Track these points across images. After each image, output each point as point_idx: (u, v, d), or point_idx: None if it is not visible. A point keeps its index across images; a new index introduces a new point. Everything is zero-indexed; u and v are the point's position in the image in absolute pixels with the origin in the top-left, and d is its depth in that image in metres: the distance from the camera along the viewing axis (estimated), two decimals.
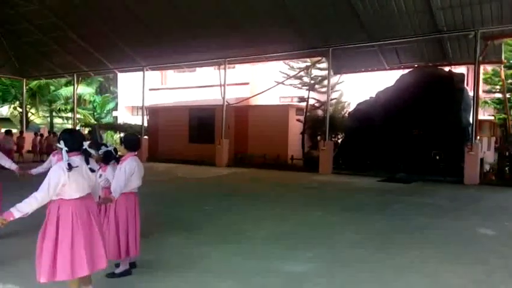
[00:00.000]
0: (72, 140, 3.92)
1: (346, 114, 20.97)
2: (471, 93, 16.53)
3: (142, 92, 22.98)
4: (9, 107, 33.98)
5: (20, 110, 30.78)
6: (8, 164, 6.48)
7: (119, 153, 5.53)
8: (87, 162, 3.93)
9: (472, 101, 15.81)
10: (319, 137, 20.48)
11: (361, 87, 22.31)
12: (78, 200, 3.86)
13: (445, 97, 16.27)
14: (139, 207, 5.30)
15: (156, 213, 8.62)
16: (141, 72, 22.99)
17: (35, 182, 4.08)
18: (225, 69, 20.40)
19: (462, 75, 17.69)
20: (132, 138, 5.33)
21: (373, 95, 18.99)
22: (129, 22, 19.75)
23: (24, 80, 28.71)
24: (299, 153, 20.96)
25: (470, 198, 11.97)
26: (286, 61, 21.38)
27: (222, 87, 20.36)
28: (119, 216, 4.97)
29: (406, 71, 18.32)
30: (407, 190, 13.18)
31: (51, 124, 33.07)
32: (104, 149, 5.36)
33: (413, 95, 16.48)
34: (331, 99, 19.92)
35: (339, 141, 20.50)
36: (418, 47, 17.13)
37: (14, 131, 24.68)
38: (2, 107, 34.93)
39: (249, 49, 19.27)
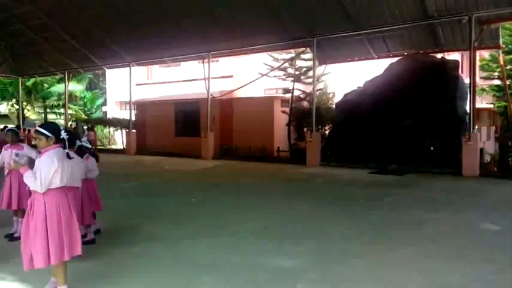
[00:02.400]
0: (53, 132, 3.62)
1: (333, 105, 17.98)
2: (467, 81, 13.57)
3: (129, 87, 20.47)
4: (7, 105, 31.82)
5: (17, 107, 28.75)
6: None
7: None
8: (64, 148, 3.67)
9: (468, 89, 12.83)
10: (305, 129, 17.55)
11: (347, 77, 19.13)
12: (60, 189, 3.59)
13: (438, 85, 13.25)
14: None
15: (143, 206, 7.94)
16: (128, 68, 20.44)
17: None
18: (208, 62, 17.60)
19: (456, 62, 14.58)
20: (74, 133, 5.14)
21: (361, 85, 15.95)
22: (114, 19, 17.91)
23: (20, 79, 26.56)
24: (285, 145, 18.03)
25: (470, 190, 9.64)
26: (270, 53, 18.30)
27: (207, 81, 17.57)
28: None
29: (396, 59, 15.27)
30: (401, 182, 10.77)
31: (45, 120, 30.59)
32: (78, 143, 4.94)
33: (404, 83, 13.48)
34: (317, 90, 16.86)
35: (326, 132, 17.53)
36: (407, 34, 13.95)
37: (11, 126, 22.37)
38: (0, 104, 32.62)
39: (232, 42, 16.56)
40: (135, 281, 4.12)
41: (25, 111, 30.03)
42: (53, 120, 30.30)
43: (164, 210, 7.58)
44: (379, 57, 15.40)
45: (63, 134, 3.63)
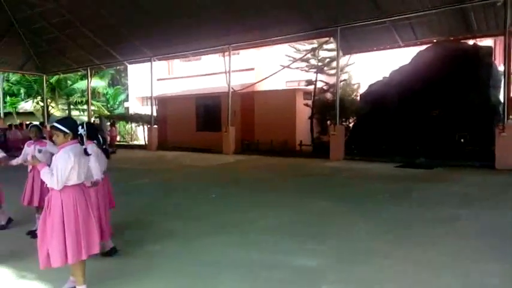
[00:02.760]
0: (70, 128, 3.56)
1: (357, 97, 17.40)
2: (501, 68, 12.89)
3: (150, 82, 20.45)
4: (33, 102, 32.35)
5: (42, 104, 29.23)
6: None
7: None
8: (82, 144, 3.60)
9: (502, 77, 12.12)
10: (328, 122, 17.09)
11: (372, 67, 18.35)
12: (77, 186, 3.56)
13: (470, 73, 12.63)
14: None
15: (162, 202, 7.88)
16: (149, 63, 20.41)
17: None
18: (229, 55, 17.38)
19: (489, 48, 13.85)
20: (94, 127, 5.06)
21: (386, 75, 15.42)
22: (135, 14, 17.72)
23: (44, 76, 27.01)
24: (308, 138, 17.58)
25: (504, 185, 9.00)
26: (292, 44, 17.86)
27: (227, 74, 17.35)
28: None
29: (424, 47, 14.60)
30: (429, 176, 10.25)
31: (69, 116, 31.03)
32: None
33: (433, 72, 12.89)
34: (341, 81, 16.29)
35: (351, 125, 17.03)
36: (436, 20, 13.18)
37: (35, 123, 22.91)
38: (26, 102, 33.31)
39: (252, 34, 16.26)
40: (154, 280, 4.00)
41: (49, 108, 30.44)
42: (76, 117, 30.85)
43: (184, 206, 7.46)
44: (406, 46, 14.69)
45: (81, 130, 3.57)
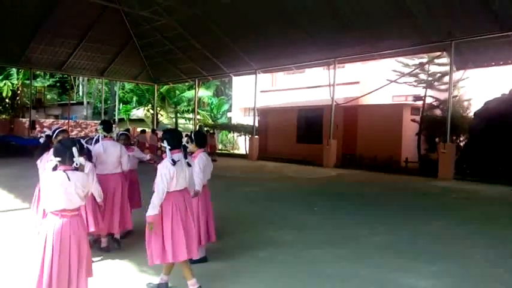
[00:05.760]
0: (173, 139, 4.07)
1: (471, 114, 16.84)
2: None
3: (254, 94, 21.80)
4: (144, 109, 35.75)
5: (152, 112, 32.16)
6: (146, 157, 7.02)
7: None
8: (185, 157, 4.05)
9: None
10: (437, 139, 16.79)
11: (487, 83, 17.83)
12: (177, 193, 3.95)
13: None
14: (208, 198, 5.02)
15: (267, 211, 8.28)
16: (254, 76, 21.73)
17: None
18: (334, 68, 17.93)
19: None
20: (203, 135, 5.28)
21: (505, 92, 14.86)
22: (242, 27, 18.95)
23: (156, 85, 29.93)
24: (414, 155, 17.47)
25: None
26: (400, 58, 17.93)
27: (331, 87, 17.91)
28: (193, 207, 4.62)
29: None
30: None
31: (176, 124, 34.02)
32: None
33: None
34: (453, 97, 15.88)
35: (461, 144, 16.56)
36: None
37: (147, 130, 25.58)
38: (138, 109, 36.89)
39: (359, 47, 16.58)
40: (261, 285, 4.33)
41: (159, 116, 33.30)
42: (182, 125, 33.49)
43: (288, 217, 7.73)
44: None
45: (184, 141, 4.15)
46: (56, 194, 3.15)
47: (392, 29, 14.83)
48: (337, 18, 15.52)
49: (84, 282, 3.28)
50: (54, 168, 3.24)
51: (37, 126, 26.97)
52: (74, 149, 3.25)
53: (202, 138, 5.05)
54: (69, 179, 3.15)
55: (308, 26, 16.60)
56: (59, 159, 3.24)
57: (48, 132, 5.21)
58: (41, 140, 5.17)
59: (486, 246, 5.93)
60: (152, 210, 3.78)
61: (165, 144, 3.96)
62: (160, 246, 3.84)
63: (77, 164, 3.26)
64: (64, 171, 3.19)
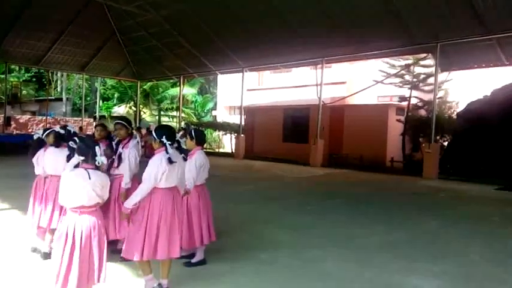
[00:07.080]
0: (172, 135, 4.04)
1: (454, 115, 17.51)
2: None
3: (241, 92, 21.85)
4: (125, 106, 35.48)
5: (134, 109, 32.05)
6: None
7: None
8: (181, 152, 4.07)
9: None
10: (421, 139, 17.39)
11: (470, 84, 18.56)
12: (167, 190, 3.93)
13: None
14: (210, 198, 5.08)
15: (261, 211, 8.29)
16: (240, 74, 21.82)
17: None
18: (322, 68, 18.25)
19: None
20: (202, 133, 5.25)
21: (487, 94, 15.50)
22: (230, 25, 18.95)
23: (139, 82, 29.72)
24: (398, 155, 18.02)
25: None
26: (386, 59, 18.41)
27: (318, 87, 18.24)
28: (191, 206, 4.81)
29: None
30: None
31: (159, 122, 33.87)
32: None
33: None
34: (437, 98, 16.46)
35: (445, 143, 17.20)
36: None
37: None
38: (119, 106, 36.57)
39: (347, 48, 16.93)
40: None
41: (142, 113, 33.17)
42: (165, 123, 33.35)
43: (282, 216, 7.77)
44: (510, 64, 14.81)
45: (165, 139, 3.95)
46: (76, 190, 3.34)
47: (380, 30, 15.19)
48: (326, 18, 15.76)
49: (104, 273, 3.46)
50: (76, 166, 3.44)
51: (12, 122, 26.54)
52: (97, 148, 3.47)
53: (203, 135, 5.12)
54: (89, 177, 3.35)
55: (298, 25, 16.78)
56: (82, 158, 3.44)
57: (40, 132, 5.33)
58: (35, 137, 5.31)
59: (483, 245, 6.10)
60: (131, 203, 3.82)
61: (164, 140, 3.91)
62: (141, 242, 3.81)
63: (98, 163, 3.46)
64: (86, 169, 3.40)
